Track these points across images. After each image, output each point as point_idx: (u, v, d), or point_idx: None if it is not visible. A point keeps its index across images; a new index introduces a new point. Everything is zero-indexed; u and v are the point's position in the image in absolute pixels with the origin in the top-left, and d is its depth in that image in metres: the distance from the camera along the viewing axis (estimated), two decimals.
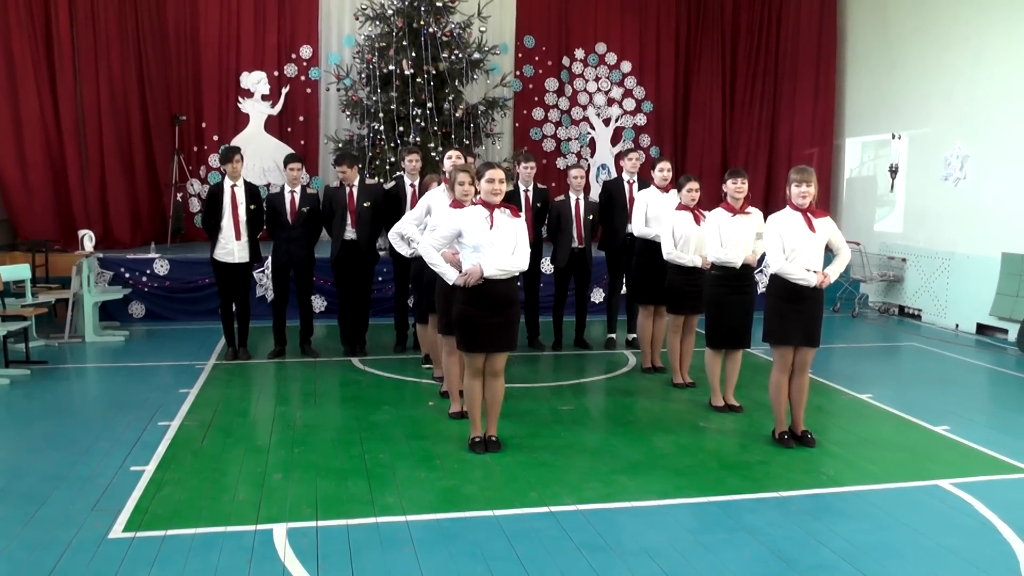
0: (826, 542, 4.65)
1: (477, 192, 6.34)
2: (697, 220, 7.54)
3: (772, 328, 6.23)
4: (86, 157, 12.12)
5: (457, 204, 6.29)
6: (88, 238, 10.08)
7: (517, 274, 5.94)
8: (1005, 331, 10.74)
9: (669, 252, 7.58)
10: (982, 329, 11.18)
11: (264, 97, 13.45)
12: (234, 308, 8.79)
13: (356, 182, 8.81)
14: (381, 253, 9.48)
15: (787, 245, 6.07)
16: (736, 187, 7.00)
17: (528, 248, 5.99)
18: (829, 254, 6.20)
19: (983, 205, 11.27)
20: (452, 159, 7.62)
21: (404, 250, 7.96)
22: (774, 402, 6.35)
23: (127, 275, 10.79)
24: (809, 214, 6.10)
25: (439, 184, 7.88)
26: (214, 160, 13.19)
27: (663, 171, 8.45)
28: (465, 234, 5.80)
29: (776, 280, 6.18)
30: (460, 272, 5.85)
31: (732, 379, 7.27)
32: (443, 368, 7.16)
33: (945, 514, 5.10)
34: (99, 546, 4.43)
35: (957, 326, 11.56)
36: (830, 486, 5.53)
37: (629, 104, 14.85)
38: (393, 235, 8.10)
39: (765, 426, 6.75)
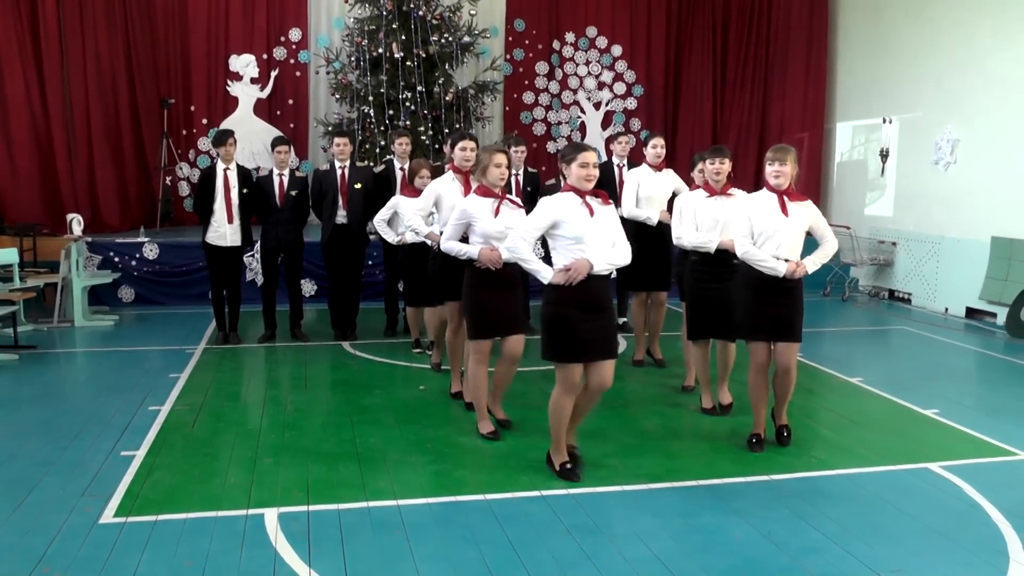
0: (816, 525, 4.66)
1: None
2: None
3: (742, 321, 5.83)
4: (74, 140, 12.05)
5: (484, 191, 5.80)
6: (76, 222, 10.03)
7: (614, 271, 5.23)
8: (994, 315, 10.79)
9: (679, 236, 6.65)
10: (971, 313, 11.22)
11: (253, 80, 13.39)
12: (225, 292, 8.76)
13: (348, 163, 8.78)
14: (371, 237, 9.45)
15: (756, 229, 5.64)
16: (714, 168, 6.33)
17: (626, 239, 5.26)
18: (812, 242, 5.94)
19: (973, 189, 11.30)
20: (467, 151, 7.19)
21: (391, 237, 7.95)
22: (752, 403, 5.96)
23: (116, 259, 10.75)
24: (785, 197, 5.64)
25: (429, 170, 7.84)
26: (203, 143, 13.15)
27: (656, 148, 7.92)
28: (563, 225, 5.01)
29: (747, 269, 5.72)
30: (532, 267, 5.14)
31: (724, 373, 6.77)
32: (469, 379, 6.20)
33: (934, 497, 5.12)
34: (90, 531, 4.42)
35: (947, 310, 11.60)
36: (820, 469, 5.54)
37: (619, 88, 14.83)
38: (379, 222, 8.09)
39: None
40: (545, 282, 5.06)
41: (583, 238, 4.98)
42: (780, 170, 5.61)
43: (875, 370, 8.26)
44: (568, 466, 5.27)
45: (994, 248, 10.79)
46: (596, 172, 5.08)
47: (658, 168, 7.96)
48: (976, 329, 10.58)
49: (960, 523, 4.73)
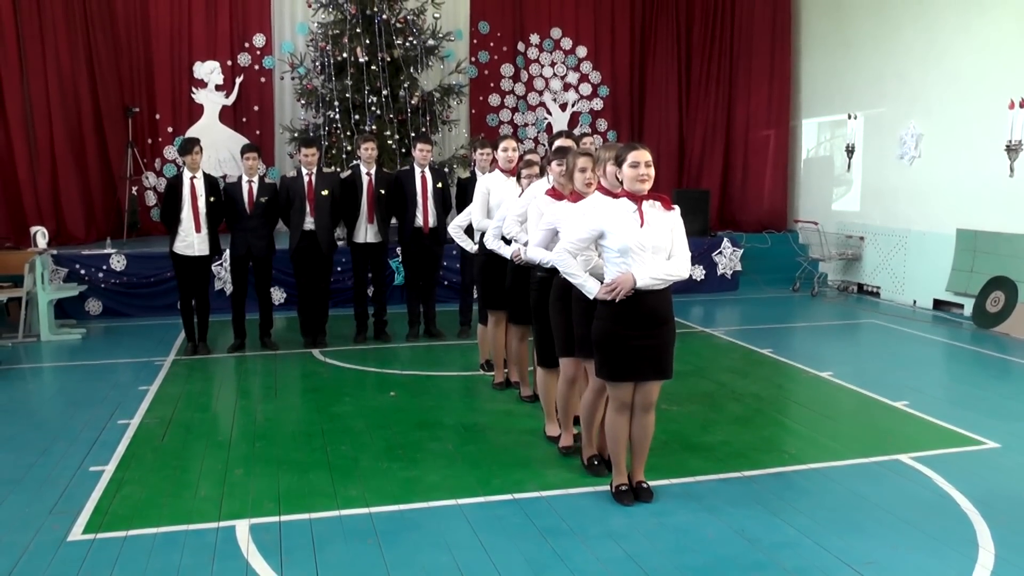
0: (788, 520, 4.68)
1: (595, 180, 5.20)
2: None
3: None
4: (35, 150, 11.86)
5: (573, 196, 5.31)
6: (41, 235, 9.90)
7: (673, 283, 4.78)
8: (961, 306, 10.89)
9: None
10: (939, 305, 11.33)
11: (218, 87, 13.28)
12: (193, 302, 8.68)
13: (315, 170, 8.73)
14: (339, 243, 9.41)
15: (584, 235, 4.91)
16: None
17: (688, 250, 4.81)
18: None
19: (937, 183, 11.40)
20: (508, 151, 6.95)
21: (468, 245, 7.70)
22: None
23: (83, 271, 10.60)
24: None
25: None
26: (169, 152, 13.04)
27: (507, 151, 7.20)
28: (609, 235, 4.67)
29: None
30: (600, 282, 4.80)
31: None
32: (557, 393, 5.76)
33: (905, 488, 5.16)
34: (58, 549, 4.35)
35: (915, 302, 11.70)
36: (792, 464, 5.57)
37: (585, 89, 14.85)
38: (455, 228, 7.76)
39: (727, 407, 6.81)
40: (591, 297, 4.80)
41: (628, 251, 4.61)
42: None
43: (845, 364, 8.32)
44: (624, 488, 4.97)
45: (959, 240, 10.89)
46: (651, 172, 4.67)
47: (511, 172, 7.21)
48: (944, 320, 10.68)
49: (931, 513, 4.77)
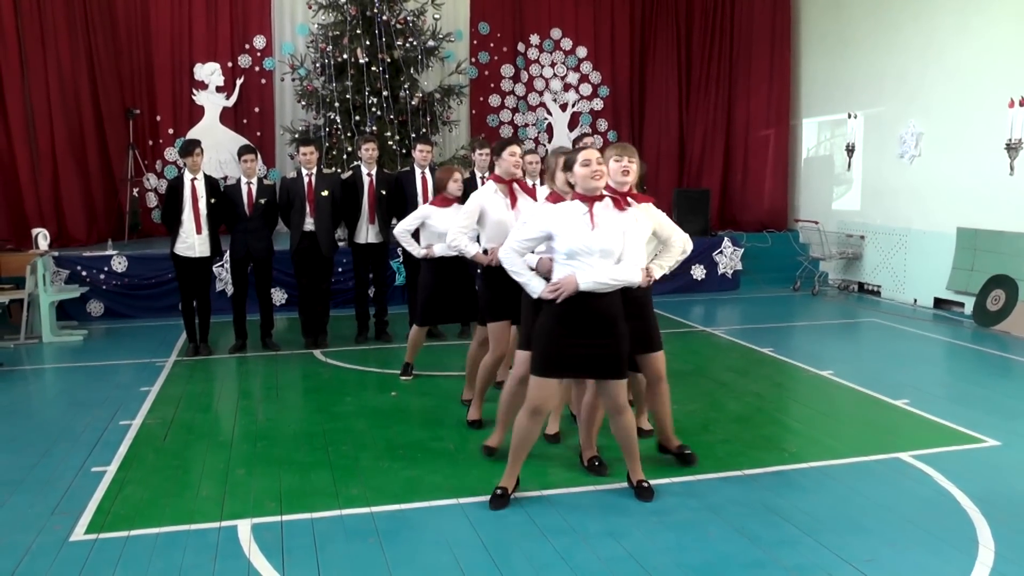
0: (789, 518, 4.69)
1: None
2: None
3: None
4: (37, 153, 11.87)
5: (555, 198, 5.11)
6: (42, 237, 9.91)
7: (623, 287, 4.68)
8: (961, 304, 10.90)
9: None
10: (939, 303, 11.33)
11: (219, 89, 13.31)
12: (194, 303, 8.70)
13: (315, 170, 8.75)
14: (340, 244, 9.41)
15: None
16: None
17: (642, 254, 4.73)
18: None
19: (937, 181, 11.41)
20: (516, 155, 6.81)
21: (415, 250, 7.31)
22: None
23: (84, 273, 10.62)
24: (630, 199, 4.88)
25: (462, 175, 7.24)
26: (170, 154, 13.06)
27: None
28: (557, 237, 4.58)
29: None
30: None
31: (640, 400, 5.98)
32: (504, 390, 5.67)
33: (905, 486, 5.17)
34: (60, 549, 4.36)
35: (915, 301, 11.71)
36: (792, 462, 5.57)
37: (585, 89, 14.87)
38: (402, 232, 7.34)
39: (728, 406, 6.82)
40: (534, 296, 4.73)
41: (576, 254, 4.52)
42: (628, 166, 4.92)
43: (846, 363, 8.32)
44: (499, 492, 4.88)
45: (960, 239, 10.90)
46: (603, 168, 4.58)
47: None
48: (944, 319, 10.69)
49: (930, 511, 4.78)
